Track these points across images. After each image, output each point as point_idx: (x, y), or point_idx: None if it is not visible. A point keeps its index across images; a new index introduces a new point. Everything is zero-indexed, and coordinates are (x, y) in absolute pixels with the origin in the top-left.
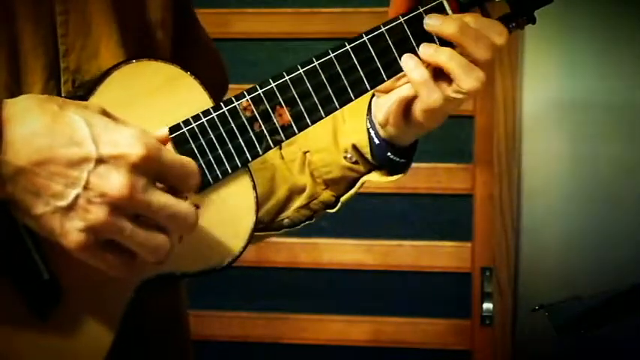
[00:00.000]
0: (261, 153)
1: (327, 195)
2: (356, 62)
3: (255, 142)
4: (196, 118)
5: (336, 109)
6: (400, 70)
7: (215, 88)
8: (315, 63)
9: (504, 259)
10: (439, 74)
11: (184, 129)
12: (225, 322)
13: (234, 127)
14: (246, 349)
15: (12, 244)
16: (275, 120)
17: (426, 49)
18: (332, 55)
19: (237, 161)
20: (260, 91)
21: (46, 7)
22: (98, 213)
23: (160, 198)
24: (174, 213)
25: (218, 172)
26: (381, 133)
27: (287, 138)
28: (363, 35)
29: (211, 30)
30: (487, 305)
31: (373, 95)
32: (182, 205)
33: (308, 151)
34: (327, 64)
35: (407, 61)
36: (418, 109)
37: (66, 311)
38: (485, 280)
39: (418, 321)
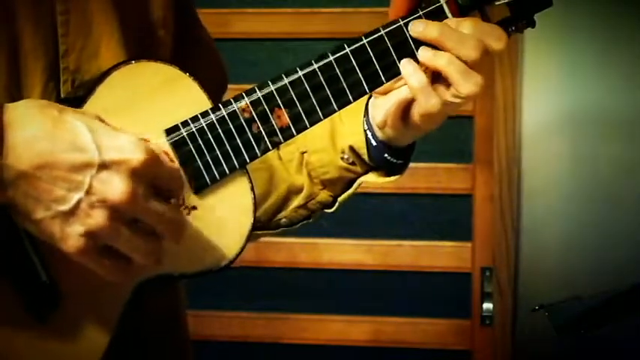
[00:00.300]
0: (259, 154)
1: (324, 195)
2: (355, 65)
3: (254, 143)
4: (194, 119)
5: (335, 112)
6: (399, 72)
7: (215, 88)
8: (315, 65)
9: (504, 259)
10: (438, 78)
11: (182, 130)
12: (224, 322)
13: (233, 129)
14: (246, 349)
15: (11, 247)
16: (273, 122)
17: (424, 53)
18: (331, 57)
19: (235, 162)
20: (259, 93)
21: (46, 6)
22: (99, 218)
23: (157, 204)
24: (170, 219)
25: (216, 174)
26: (379, 134)
27: (285, 140)
28: (363, 38)
29: (211, 30)
30: (487, 305)
31: (370, 96)
32: (176, 212)
33: (305, 152)
34: (326, 67)
35: (405, 65)
36: (416, 112)
37: (64, 313)
38: (485, 280)
39: (418, 321)
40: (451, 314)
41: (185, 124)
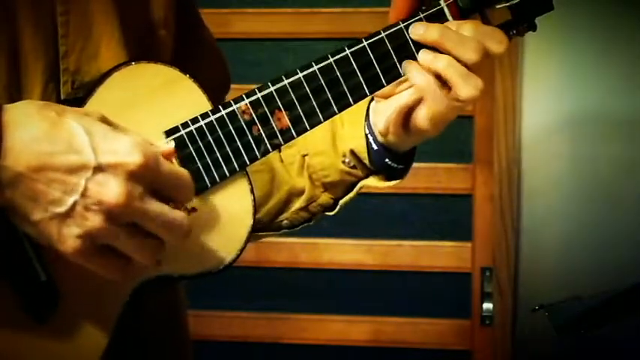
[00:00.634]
0: (259, 157)
1: (325, 198)
2: (355, 67)
3: (254, 145)
4: (194, 120)
5: (335, 114)
6: (399, 75)
7: (217, 89)
8: (315, 67)
9: (504, 259)
10: (438, 81)
11: (182, 132)
12: (225, 322)
13: (233, 131)
14: (246, 349)
15: (11, 247)
16: (274, 124)
17: (425, 56)
18: (331, 59)
19: (235, 164)
20: (259, 95)
21: (46, 7)
22: (95, 220)
23: (156, 207)
24: (168, 221)
25: (216, 176)
26: (380, 139)
27: (285, 142)
28: (363, 40)
29: (211, 30)
30: (487, 305)
31: (372, 100)
32: (176, 214)
33: (307, 154)
34: (327, 69)
35: (408, 67)
36: (422, 116)
37: (63, 314)
38: (485, 280)
39: (418, 321)
40: (451, 314)
41: (185, 125)
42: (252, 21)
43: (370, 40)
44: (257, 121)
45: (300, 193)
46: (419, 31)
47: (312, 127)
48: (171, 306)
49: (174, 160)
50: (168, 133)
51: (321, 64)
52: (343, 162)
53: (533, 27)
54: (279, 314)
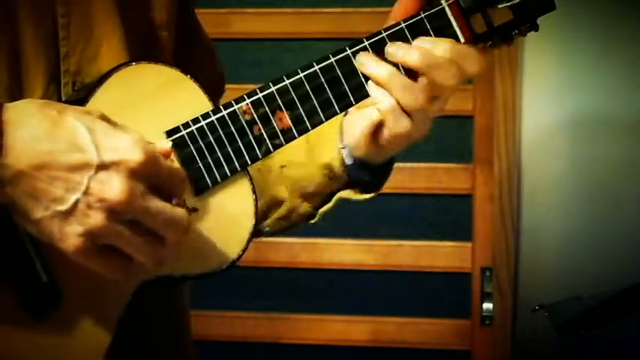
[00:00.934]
0: (260, 157)
1: (305, 207)
2: (356, 66)
3: (255, 145)
4: (196, 121)
5: (337, 114)
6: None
7: (213, 89)
8: (316, 67)
9: (504, 259)
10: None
11: (184, 132)
12: (224, 322)
13: (234, 131)
14: (247, 349)
15: (12, 247)
16: (275, 124)
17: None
18: (332, 59)
19: (237, 164)
20: (260, 95)
21: (47, 9)
22: (97, 218)
23: (157, 204)
24: (169, 218)
25: (217, 176)
26: (353, 153)
27: (287, 142)
28: (364, 40)
29: (211, 30)
30: (487, 305)
31: (346, 113)
32: (177, 211)
33: (284, 166)
34: (328, 69)
35: (374, 88)
36: (385, 134)
37: (65, 314)
38: (485, 280)
39: (418, 321)
40: (451, 314)
41: (186, 125)
42: (252, 21)
43: (371, 40)
44: (258, 121)
45: (280, 202)
46: (397, 52)
47: (313, 127)
48: (173, 307)
49: (173, 159)
50: (170, 133)
51: (322, 64)
52: (321, 174)
53: (535, 27)
54: (279, 314)
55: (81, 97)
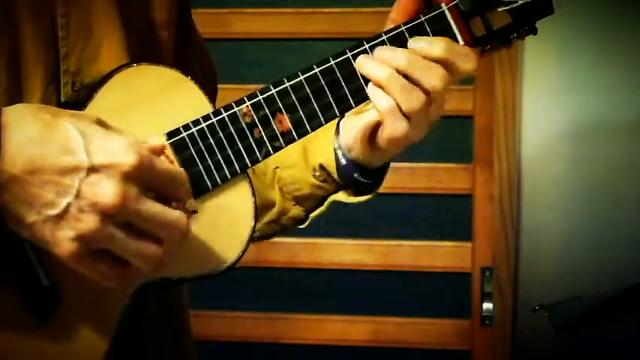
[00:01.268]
0: (260, 159)
1: (296, 211)
2: (357, 69)
3: (255, 148)
4: (196, 122)
5: (336, 116)
6: None
7: (212, 90)
8: (316, 70)
9: (504, 259)
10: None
11: (184, 134)
12: (224, 322)
13: (234, 133)
14: (247, 349)
15: (12, 250)
16: (275, 126)
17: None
18: (333, 62)
19: (237, 167)
20: (260, 97)
21: (47, 9)
22: (89, 222)
23: (151, 207)
24: (166, 221)
25: (217, 178)
26: (348, 154)
27: (287, 144)
28: (364, 42)
29: (211, 30)
30: (487, 305)
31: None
32: (173, 214)
33: (278, 167)
34: (328, 71)
35: (373, 89)
36: (383, 136)
37: (65, 316)
38: (485, 280)
39: (418, 321)
40: (451, 314)
41: (186, 127)
42: (252, 21)
43: (371, 43)
44: (258, 124)
45: (272, 205)
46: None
47: (313, 129)
48: (172, 308)
49: (174, 161)
50: (170, 135)
51: (323, 67)
52: (314, 176)
53: (534, 30)
54: (279, 314)
55: (80, 97)
